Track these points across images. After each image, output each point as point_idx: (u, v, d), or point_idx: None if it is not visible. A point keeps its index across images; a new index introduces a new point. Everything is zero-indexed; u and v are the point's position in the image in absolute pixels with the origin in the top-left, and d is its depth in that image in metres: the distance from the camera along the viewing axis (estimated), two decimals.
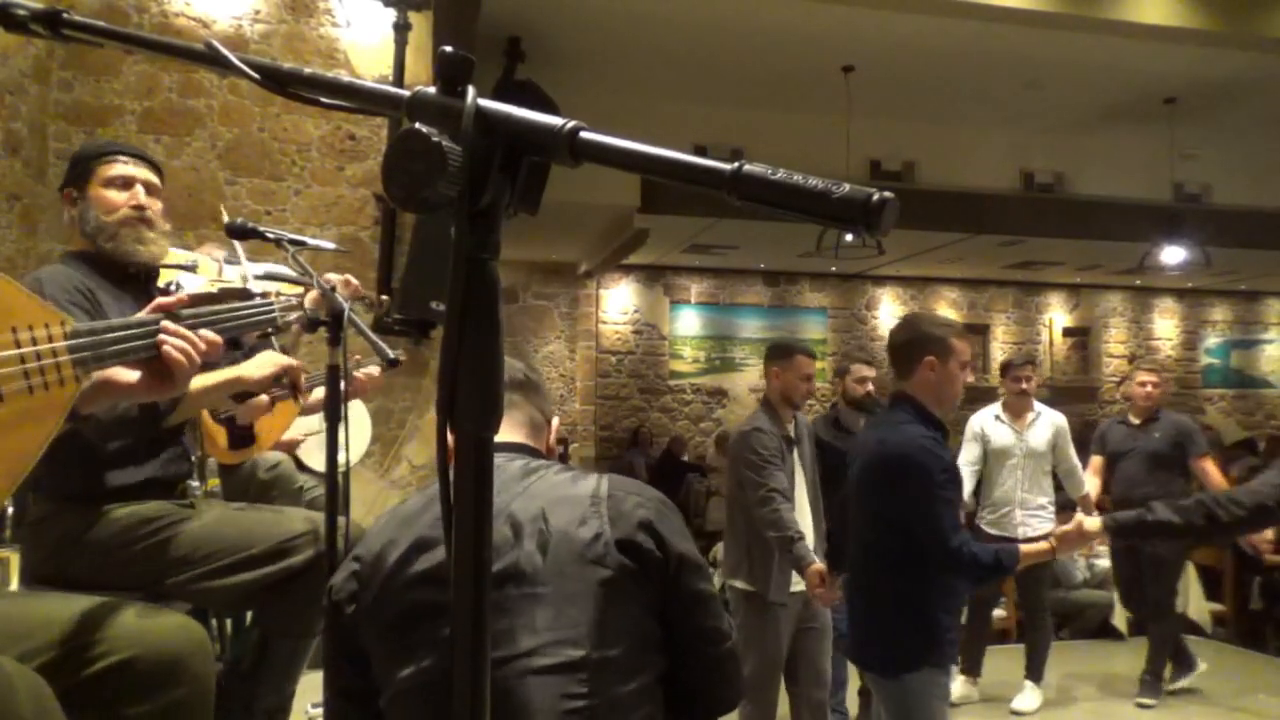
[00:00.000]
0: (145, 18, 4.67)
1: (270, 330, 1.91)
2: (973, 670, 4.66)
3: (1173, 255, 9.02)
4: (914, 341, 2.48)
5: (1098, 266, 11.61)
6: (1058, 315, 13.23)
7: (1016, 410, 4.61)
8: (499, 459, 1.37)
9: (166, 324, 1.48)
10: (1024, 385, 4.58)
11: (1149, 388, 4.74)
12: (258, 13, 4.84)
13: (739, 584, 3.33)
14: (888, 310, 12.76)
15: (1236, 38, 6.62)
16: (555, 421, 1.57)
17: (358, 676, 1.32)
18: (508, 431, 1.45)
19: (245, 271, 2.23)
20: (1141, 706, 4.58)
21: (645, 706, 1.27)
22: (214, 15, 4.77)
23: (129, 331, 1.44)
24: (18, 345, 1.30)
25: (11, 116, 4.19)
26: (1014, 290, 13.06)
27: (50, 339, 1.33)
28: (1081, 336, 13.33)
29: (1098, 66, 7.45)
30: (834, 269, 11.71)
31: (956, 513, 2.40)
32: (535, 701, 1.19)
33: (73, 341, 1.35)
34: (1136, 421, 4.77)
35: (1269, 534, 4.32)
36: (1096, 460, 4.85)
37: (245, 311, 1.79)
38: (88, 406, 1.45)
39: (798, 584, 3.23)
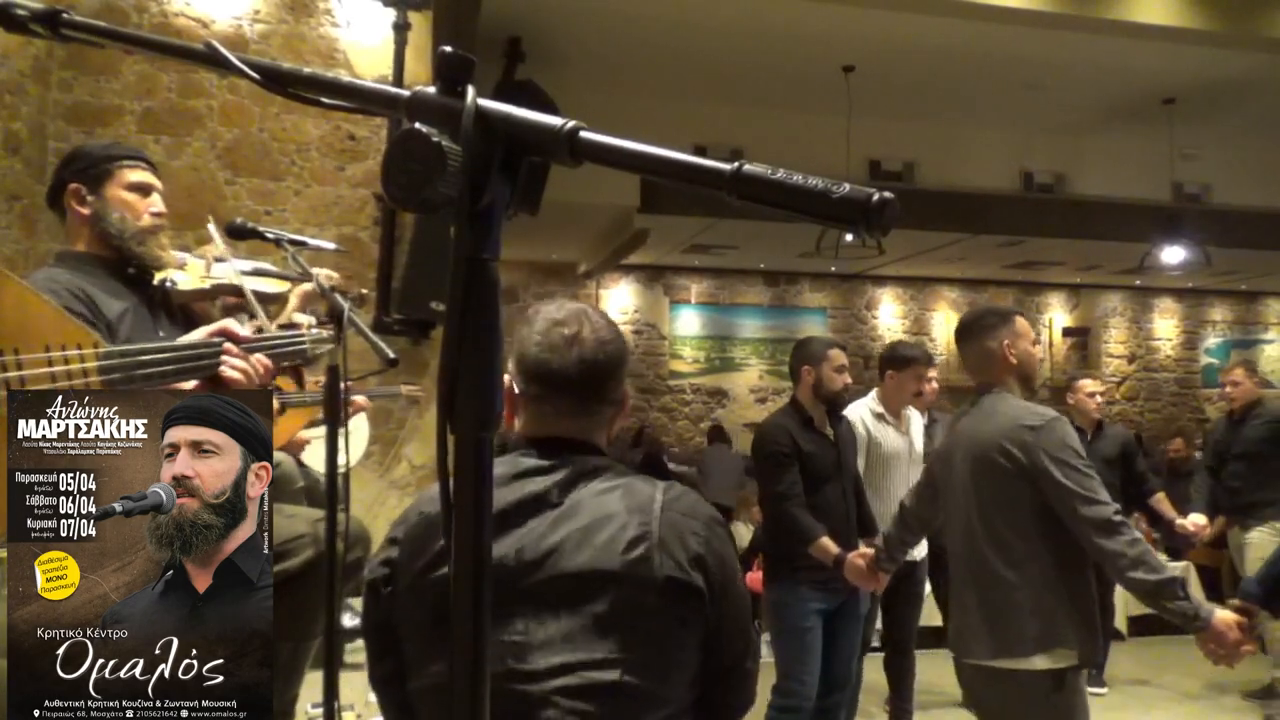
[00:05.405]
0: (145, 18, 4.67)
1: (300, 362, 1.90)
2: None
3: (1173, 255, 9.01)
4: None
5: (1098, 266, 11.60)
6: (1058, 315, 13.22)
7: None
8: (539, 461, 1.29)
9: (229, 346, 1.63)
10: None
11: (934, 383, 4.41)
12: (257, 13, 4.84)
13: (1044, 664, 2.21)
14: (888, 310, 12.75)
15: (1236, 38, 6.62)
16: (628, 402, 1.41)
17: (395, 655, 1.30)
18: (554, 425, 1.32)
19: (234, 268, 2.22)
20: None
21: None
22: (214, 15, 4.77)
23: (167, 355, 1.54)
24: (50, 364, 1.38)
25: (11, 117, 4.19)
26: (1014, 290, 13.05)
27: (82, 359, 1.41)
28: (1081, 336, 13.32)
29: (1098, 66, 7.44)
30: (834, 269, 11.71)
31: None
32: None
33: (104, 363, 1.42)
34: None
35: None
36: None
37: (276, 342, 1.80)
38: None
39: None
